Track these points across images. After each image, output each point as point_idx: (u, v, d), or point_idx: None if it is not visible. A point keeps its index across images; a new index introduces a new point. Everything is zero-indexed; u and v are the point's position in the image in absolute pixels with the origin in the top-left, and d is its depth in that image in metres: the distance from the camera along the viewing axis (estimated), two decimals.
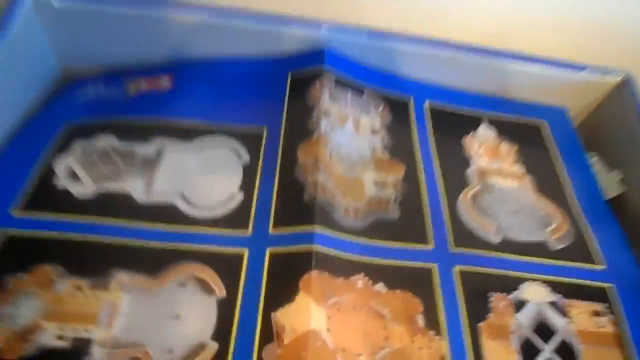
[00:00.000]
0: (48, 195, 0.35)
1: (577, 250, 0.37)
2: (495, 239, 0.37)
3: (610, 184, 0.42)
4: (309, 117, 0.39)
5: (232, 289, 0.32)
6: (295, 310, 0.30)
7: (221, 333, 0.30)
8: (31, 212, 0.34)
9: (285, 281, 0.31)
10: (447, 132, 0.43)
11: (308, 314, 0.30)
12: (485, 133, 0.44)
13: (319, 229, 0.33)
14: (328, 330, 0.30)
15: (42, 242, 0.33)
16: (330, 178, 0.37)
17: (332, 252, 0.33)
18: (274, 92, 0.41)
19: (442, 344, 0.31)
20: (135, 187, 0.36)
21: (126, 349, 0.29)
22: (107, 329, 0.30)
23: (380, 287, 0.33)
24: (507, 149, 0.44)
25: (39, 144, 0.38)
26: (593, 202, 0.41)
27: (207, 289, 0.32)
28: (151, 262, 0.32)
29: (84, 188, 0.36)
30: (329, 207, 0.35)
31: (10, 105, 0.39)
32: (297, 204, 0.35)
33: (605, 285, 0.36)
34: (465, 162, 0.42)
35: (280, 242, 0.34)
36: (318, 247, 0.33)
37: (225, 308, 0.31)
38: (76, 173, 0.36)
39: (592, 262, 0.37)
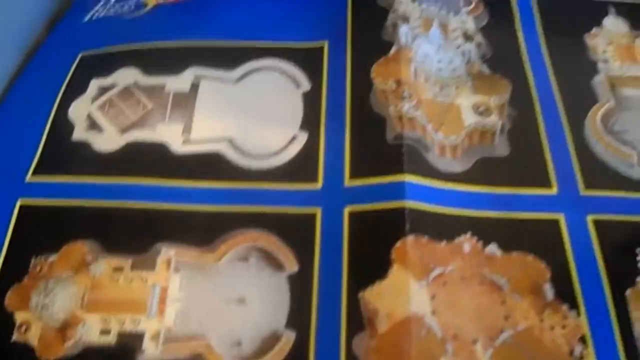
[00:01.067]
0: (66, 153, 0.29)
1: None
2: (638, 172, 0.29)
3: None
4: (382, 25, 0.31)
5: (305, 261, 0.26)
6: (390, 289, 0.24)
7: (298, 319, 0.25)
8: (48, 175, 0.28)
9: (373, 251, 0.25)
10: (562, 31, 0.33)
11: (407, 293, 0.24)
12: (613, 27, 0.34)
13: (410, 178, 0.26)
14: (433, 313, 0.24)
15: (66, 213, 0.27)
16: (419, 106, 0.29)
17: (430, 207, 0.26)
18: None
19: (580, 322, 0.25)
20: (170, 135, 0.29)
21: (184, 342, 0.25)
22: (159, 318, 0.25)
23: (493, 249, 0.26)
24: None
25: (49, 87, 0.31)
26: None
27: (274, 262, 0.26)
28: (202, 231, 0.27)
29: (108, 140, 0.29)
30: (420, 147, 0.28)
31: (10, 42, 0.32)
32: (378, 144, 0.28)
33: None
34: (589, 69, 0.32)
35: (360, 198, 0.27)
36: (411, 203, 0.26)
37: (299, 286, 0.25)
38: (96, 121, 0.30)
39: None
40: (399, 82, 0.29)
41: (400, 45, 0.30)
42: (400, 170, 0.27)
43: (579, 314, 0.25)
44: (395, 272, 0.25)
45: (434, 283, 0.25)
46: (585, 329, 0.24)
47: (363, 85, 0.30)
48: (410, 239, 0.25)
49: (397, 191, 0.26)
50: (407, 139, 0.28)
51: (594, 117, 0.31)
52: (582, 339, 0.24)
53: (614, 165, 0.29)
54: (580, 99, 0.31)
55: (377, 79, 0.29)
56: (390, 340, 0.23)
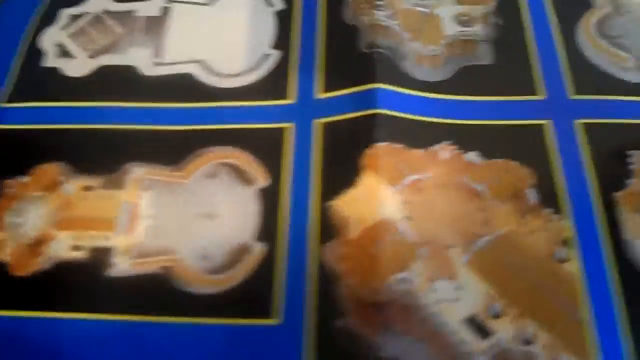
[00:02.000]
0: (37, 79, 0.29)
1: None
2: (634, 76, 0.27)
3: None
4: None
5: (275, 175, 0.25)
6: (361, 195, 0.24)
7: (268, 231, 0.24)
8: (20, 101, 0.28)
9: (343, 159, 0.25)
10: None
11: (378, 199, 0.23)
12: None
13: (383, 86, 0.26)
14: (406, 218, 0.23)
15: (38, 136, 0.27)
16: (394, 15, 0.28)
17: (405, 115, 0.26)
18: None
19: (564, 224, 0.24)
20: (140, 58, 0.29)
21: (154, 257, 0.25)
22: (129, 234, 0.25)
23: (473, 156, 0.25)
24: None
25: (19, 18, 0.31)
26: None
27: (243, 177, 0.26)
28: (171, 150, 0.26)
29: (78, 65, 0.29)
30: (396, 55, 0.27)
31: None
32: (351, 55, 0.27)
33: None
34: None
35: (333, 109, 0.26)
36: (385, 111, 0.25)
37: (269, 199, 0.25)
38: (67, 48, 0.30)
39: None
40: None
41: None
42: (372, 78, 0.26)
43: (563, 218, 0.24)
44: (366, 178, 0.24)
45: (407, 189, 0.24)
46: (570, 232, 0.23)
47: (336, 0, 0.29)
48: (382, 145, 0.24)
49: (369, 99, 0.25)
50: (381, 47, 0.27)
51: (588, 22, 0.29)
52: (566, 242, 0.23)
53: (607, 69, 0.28)
54: (573, 4, 0.30)
55: None
56: (359, 245, 0.23)
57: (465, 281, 0.22)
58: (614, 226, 0.24)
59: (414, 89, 0.26)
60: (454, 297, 0.22)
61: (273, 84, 0.28)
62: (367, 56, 0.27)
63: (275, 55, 0.29)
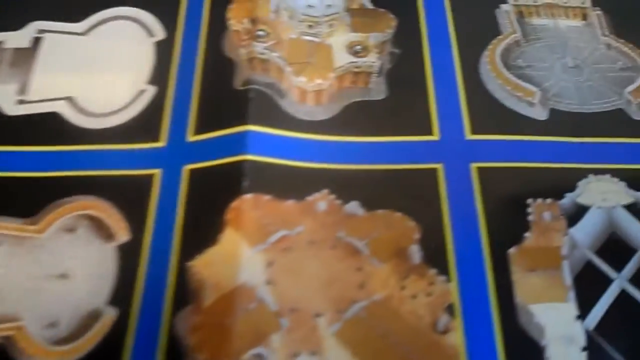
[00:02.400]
0: None
1: None
2: (540, 113, 0.25)
3: None
4: None
5: (137, 229, 0.23)
6: (220, 256, 0.21)
7: (121, 295, 0.22)
8: None
9: (207, 213, 0.22)
10: None
11: (237, 261, 0.21)
12: None
13: (254, 128, 0.23)
14: (268, 283, 0.21)
15: None
16: (278, 46, 0.25)
17: (278, 160, 0.23)
18: None
19: (449, 287, 0.21)
20: (2, 95, 0.27)
21: None
22: None
23: (354, 207, 0.23)
24: None
25: None
26: None
27: (104, 232, 0.23)
28: (27, 200, 0.24)
29: None
30: (274, 92, 0.25)
31: None
32: (225, 93, 0.25)
33: None
34: None
35: (202, 155, 0.24)
36: (253, 156, 0.23)
37: (128, 257, 0.23)
38: None
39: None
40: (254, 21, 0.25)
41: None
42: (244, 120, 0.23)
43: (449, 280, 0.21)
44: (227, 237, 0.21)
45: (273, 248, 0.22)
46: (455, 297, 0.21)
47: (218, 29, 0.26)
48: (248, 197, 0.22)
49: (238, 144, 0.23)
50: (257, 83, 0.24)
51: (494, 51, 0.27)
52: (450, 309, 0.21)
53: (511, 105, 0.25)
54: (479, 31, 0.27)
55: (232, 20, 0.26)
56: (213, 315, 0.20)
57: (332, 356, 0.20)
58: (505, 288, 0.21)
59: (292, 130, 0.24)
60: None
61: (146, 124, 0.25)
62: (241, 94, 0.24)
63: (151, 91, 0.26)
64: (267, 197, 0.22)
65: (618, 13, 0.28)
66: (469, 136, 0.24)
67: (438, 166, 0.24)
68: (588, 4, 0.29)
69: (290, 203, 0.23)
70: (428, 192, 0.23)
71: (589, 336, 0.21)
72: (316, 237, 0.22)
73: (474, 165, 0.24)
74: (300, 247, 0.22)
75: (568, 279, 0.22)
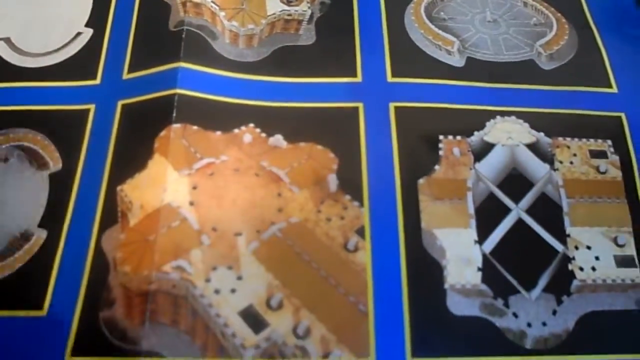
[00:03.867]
0: None
1: (579, 68, 0.28)
2: (457, 61, 0.27)
3: None
4: None
5: (71, 158, 0.25)
6: (147, 179, 0.23)
7: (52, 217, 0.24)
8: None
9: (137, 142, 0.24)
10: None
11: (163, 183, 0.23)
12: None
13: (186, 65, 0.25)
14: (191, 204, 0.23)
15: None
16: None
17: (208, 96, 0.25)
18: None
19: (362, 212, 0.24)
20: None
21: None
22: None
23: (277, 140, 0.25)
24: None
25: None
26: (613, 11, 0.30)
27: (37, 161, 0.25)
28: None
29: None
30: (206, 33, 0.26)
31: None
32: (160, 34, 0.26)
33: (612, 114, 0.27)
34: None
35: (135, 90, 0.25)
36: (183, 91, 0.24)
37: (60, 184, 0.24)
38: None
39: (597, 84, 0.28)
40: None
41: None
42: (176, 58, 0.25)
43: (362, 205, 0.24)
44: (155, 162, 0.23)
45: (198, 173, 0.24)
46: (366, 220, 0.23)
47: None
48: (176, 126, 0.24)
49: (170, 79, 0.25)
50: (189, 25, 0.26)
51: (419, 4, 0.29)
52: (361, 231, 0.23)
53: (431, 53, 0.28)
54: None
55: None
56: (138, 232, 0.22)
57: (248, 271, 0.22)
58: (412, 214, 0.24)
59: (222, 69, 0.26)
60: (232, 288, 0.22)
61: (82, 63, 0.27)
62: (174, 35, 0.26)
63: (88, 33, 0.28)
64: (195, 128, 0.24)
65: None
66: (390, 79, 0.27)
67: (359, 105, 0.26)
68: None
69: (217, 134, 0.25)
70: (349, 128, 0.25)
71: (485, 258, 0.23)
72: (240, 166, 0.24)
73: (392, 105, 0.26)
74: (224, 174, 0.24)
75: (471, 208, 0.24)
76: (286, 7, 0.28)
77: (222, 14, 0.27)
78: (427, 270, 0.23)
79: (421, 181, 0.24)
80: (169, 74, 0.25)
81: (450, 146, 0.25)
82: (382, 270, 0.23)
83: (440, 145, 0.25)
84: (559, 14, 0.30)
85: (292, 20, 0.28)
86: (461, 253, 0.23)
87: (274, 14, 0.28)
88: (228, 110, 0.25)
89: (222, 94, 0.25)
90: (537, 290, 0.23)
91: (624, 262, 0.24)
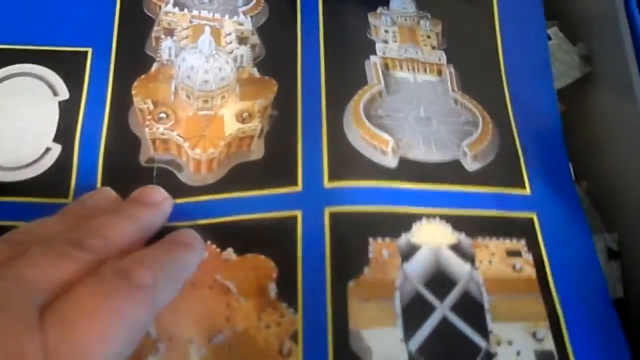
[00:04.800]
0: None
1: (498, 168, 0.30)
2: (390, 162, 0.30)
3: (571, 61, 0.32)
4: (147, 36, 0.34)
5: None
6: None
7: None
8: None
9: None
10: (345, 11, 0.35)
11: None
12: (399, 6, 0.34)
13: None
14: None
15: None
16: (176, 125, 0.32)
17: (173, 224, 0.30)
18: None
19: (296, 318, 0.27)
20: None
21: None
22: None
23: (228, 254, 0.29)
24: (429, 29, 0.34)
25: None
26: (532, 109, 0.32)
27: None
28: None
29: None
30: (173, 167, 0.31)
31: None
32: (131, 166, 0.31)
33: (525, 214, 0.29)
34: (366, 50, 0.34)
35: None
36: None
37: None
38: None
39: (513, 185, 0.30)
40: (155, 103, 0.32)
41: (162, 62, 0.33)
42: None
43: (296, 311, 0.27)
44: None
45: None
46: (299, 325, 0.27)
47: (123, 102, 0.32)
48: None
49: None
50: (158, 161, 0.31)
51: (358, 103, 0.32)
52: (294, 336, 0.27)
53: (365, 154, 0.31)
54: (347, 84, 0.33)
55: (136, 97, 0.33)
56: None
57: None
58: (341, 317, 0.27)
59: (186, 197, 0.30)
60: None
61: (55, 180, 0.30)
62: (146, 170, 0.31)
63: (56, 150, 0.31)
64: None
65: (467, 71, 0.33)
66: (327, 184, 0.30)
67: (298, 213, 0.30)
68: (443, 61, 0.34)
69: None
70: (288, 236, 0.29)
71: (411, 356, 0.26)
72: (198, 280, 0.29)
73: (327, 210, 0.29)
74: (186, 289, 0.28)
75: (398, 308, 0.27)
76: (241, 125, 0.32)
77: (186, 144, 0.32)
78: None
79: (351, 284, 0.28)
80: None
81: (380, 248, 0.28)
82: None
83: (370, 247, 0.28)
84: (485, 112, 0.32)
85: (246, 137, 0.32)
86: (387, 352, 0.26)
87: (230, 134, 0.32)
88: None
89: (186, 218, 0.30)
90: None
91: (543, 356, 0.26)
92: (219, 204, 0.31)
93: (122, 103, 0.32)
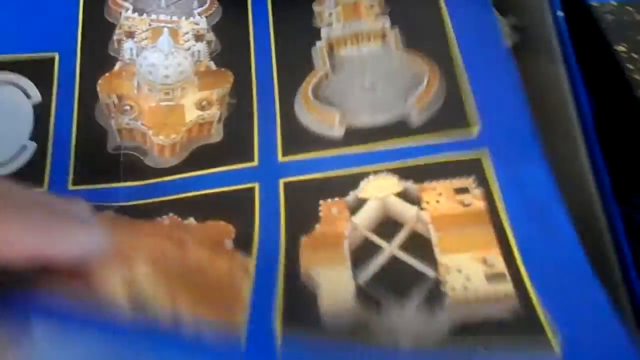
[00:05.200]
0: None
1: (446, 115, 0.33)
2: (338, 132, 0.33)
3: (503, 31, 0.35)
4: (109, 39, 0.38)
5: None
6: None
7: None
8: None
9: None
10: (291, 3, 0.38)
11: None
12: None
13: (125, 184, 0.33)
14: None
15: None
16: (141, 115, 0.36)
17: (141, 202, 0.33)
18: (65, 5, 0.39)
19: (249, 261, 0.30)
20: None
21: None
22: None
23: (190, 222, 0.32)
24: (370, 1, 0.37)
25: None
26: (480, 50, 0.34)
27: None
28: None
29: None
30: (139, 153, 0.35)
31: None
32: (100, 155, 0.34)
33: (477, 152, 0.31)
34: (312, 38, 0.37)
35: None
36: (124, 203, 0.33)
37: None
38: None
39: (463, 125, 0.32)
40: (120, 98, 0.36)
41: (124, 62, 0.37)
42: (117, 178, 0.34)
43: (250, 256, 0.29)
44: None
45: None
46: (252, 266, 0.29)
47: (89, 98, 0.36)
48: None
49: (111, 195, 0.33)
50: (125, 148, 0.34)
51: (306, 88, 0.35)
52: (245, 272, 0.28)
53: (315, 130, 0.34)
54: (297, 72, 0.36)
55: (102, 94, 0.36)
56: None
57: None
58: (293, 262, 0.29)
59: (151, 178, 0.33)
60: None
61: (29, 176, 0.33)
62: (113, 157, 0.34)
63: (32, 147, 0.34)
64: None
65: (411, 28, 0.36)
66: (281, 159, 0.33)
67: (255, 185, 0.32)
68: (388, 25, 0.36)
69: (147, 225, 0.32)
70: (246, 204, 0.32)
71: (359, 288, 0.28)
72: (161, 233, 0.31)
73: (282, 181, 0.32)
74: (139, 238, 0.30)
75: (346, 251, 0.29)
76: (201, 112, 0.35)
77: (150, 132, 0.35)
78: (303, 300, 0.27)
79: (303, 238, 0.30)
80: (111, 191, 0.33)
81: (329, 207, 0.31)
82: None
83: (320, 208, 0.31)
84: (432, 64, 0.34)
85: (206, 123, 0.35)
86: (335, 286, 0.28)
87: (191, 120, 0.35)
88: (154, 206, 0.33)
89: (152, 196, 0.33)
90: (411, 308, 0.27)
91: (494, 278, 0.27)
92: (182, 183, 0.34)
93: (89, 99, 0.36)
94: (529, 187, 0.30)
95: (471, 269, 0.28)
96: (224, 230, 0.31)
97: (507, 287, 0.27)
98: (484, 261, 0.28)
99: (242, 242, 0.31)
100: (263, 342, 0.26)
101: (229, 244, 0.31)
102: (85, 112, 0.36)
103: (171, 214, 0.32)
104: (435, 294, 0.27)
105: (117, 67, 0.36)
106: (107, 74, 0.36)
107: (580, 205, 0.31)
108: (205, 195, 0.33)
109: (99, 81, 0.36)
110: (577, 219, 0.29)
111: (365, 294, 0.28)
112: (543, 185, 0.30)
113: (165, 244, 0.30)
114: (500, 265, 0.28)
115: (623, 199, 0.33)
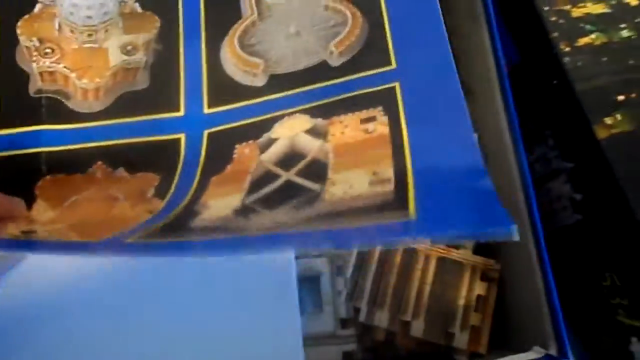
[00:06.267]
0: None
1: (365, 56, 0.34)
2: (260, 81, 0.35)
3: None
4: None
5: None
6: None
7: None
8: None
9: (16, 192, 0.33)
10: None
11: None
12: None
13: (47, 127, 0.34)
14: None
15: None
16: (62, 58, 0.36)
17: (66, 147, 0.34)
18: None
19: (160, 204, 0.31)
20: None
21: None
22: None
23: (121, 172, 0.34)
24: None
25: None
26: None
27: None
28: None
29: None
30: (61, 96, 0.35)
31: None
32: (22, 99, 0.35)
33: (387, 86, 0.32)
34: None
35: (2, 146, 0.34)
36: (47, 149, 0.34)
37: None
38: None
39: (378, 65, 0.33)
40: (41, 40, 0.36)
41: (45, 3, 0.37)
42: (39, 121, 0.34)
43: (163, 200, 0.32)
44: (39, 206, 0.32)
45: (67, 208, 0.33)
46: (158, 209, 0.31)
47: (9, 41, 0.36)
48: (48, 178, 0.33)
49: (34, 140, 0.34)
50: (47, 91, 0.35)
51: (233, 37, 0.36)
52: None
53: (239, 81, 0.35)
54: (224, 18, 0.37)
55: (22, 36, 0.36)
56: None
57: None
58: (197, 197, 0.31)
59: (76, 122, 0.35)
60: None
61: None
62: (35, 100, 0.35)
63: None
64: (62, 176, 0.33)
65: None
66: (206, 110, 0.35)
67: (181, 136, 0.34)
68: None
69: (78, 176, 0.34)
70: (172, 154, 0.34)
71: (244, 205, 0.30)
72: (95, 196, 0.33)
73: (206, 132, 0.34)
74: (83, 205, 0.33)
75: (246, 183, 0.31)
76: (126, 57, 0.36)
77: (73, 75, 0.36)
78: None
79: (213, 178, 0.32)
80: (33, 135, 0.34)
81: (242, 149, 0.33)
82: None
83: (235, 151, 0.33)
84: (355, 9, 0.35)
85: (131, 68, 0.36)
86: (222, 205, 0.30)
87: (115, 65, 0.36)
88: (83, 154, 0.34)
89: (77, 142, 0.34)
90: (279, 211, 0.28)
91: (378, 183, 0.28)
92: (108, 129, 0.35)
93: (9, 43, 0.36)
94: (436, 105, 0.30)
95: (357, 180, 0.29)
96: (151, 180, 0.33)
97: (387, 187, 0.28)
98: (374, 173, 0.29)
99: (162, 191, 0.33)
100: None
101: (150, 192, 0.33)
102: (6, 56, 0.36)
103: (100, 163, 0.34)
104: (311, 200, 0.28)
105: (37, 8, 0.36)
106: (26, 16, 0.36)
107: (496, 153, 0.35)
108: (134, 143, 0.34)
109: (19, 23, 0.36)
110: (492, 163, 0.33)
111: (245, 208, 0.29)
112: (451, 101, 0.30)
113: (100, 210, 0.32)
114: (388, 173, 0.28)
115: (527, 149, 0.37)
